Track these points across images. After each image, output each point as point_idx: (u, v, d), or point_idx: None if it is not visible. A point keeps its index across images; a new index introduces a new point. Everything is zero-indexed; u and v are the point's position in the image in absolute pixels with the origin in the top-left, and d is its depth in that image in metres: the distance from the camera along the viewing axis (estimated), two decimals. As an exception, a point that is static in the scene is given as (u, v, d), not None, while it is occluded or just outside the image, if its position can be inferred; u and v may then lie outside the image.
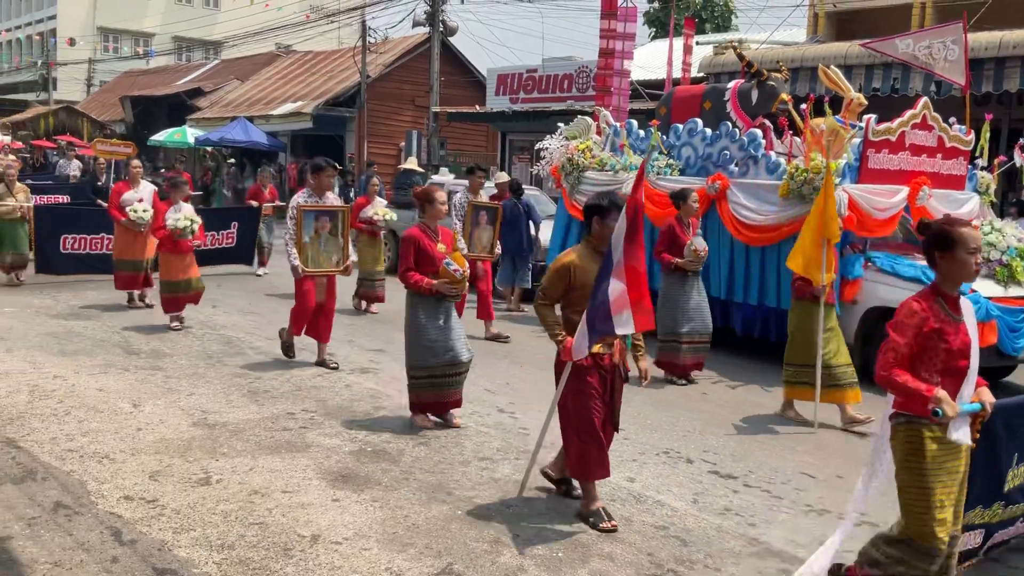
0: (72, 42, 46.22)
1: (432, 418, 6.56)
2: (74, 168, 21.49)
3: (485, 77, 24.82)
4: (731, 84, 10.74)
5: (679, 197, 8.25)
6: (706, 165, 9.80)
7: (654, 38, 33.56)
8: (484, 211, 10.04)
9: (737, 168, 9.43)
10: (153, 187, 11.13)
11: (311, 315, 8.15)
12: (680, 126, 10.29)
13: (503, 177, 12.05)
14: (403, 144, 25.54)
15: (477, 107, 24.10)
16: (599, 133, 11.39)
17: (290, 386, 7.48)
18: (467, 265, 6.34)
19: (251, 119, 28.06)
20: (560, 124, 12.08)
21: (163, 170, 23.89)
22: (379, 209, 11.39)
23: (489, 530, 4.73)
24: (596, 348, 4.81)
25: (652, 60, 20.47)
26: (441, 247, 6.38)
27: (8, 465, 5.30)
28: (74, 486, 5.04)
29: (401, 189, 17.16)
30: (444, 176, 16.28)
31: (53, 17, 52.53)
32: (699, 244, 8.19)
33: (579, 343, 4.69)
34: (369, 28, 27.08)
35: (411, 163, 18.46)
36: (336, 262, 8.14)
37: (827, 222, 6.90)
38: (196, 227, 9.40)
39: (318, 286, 8.14)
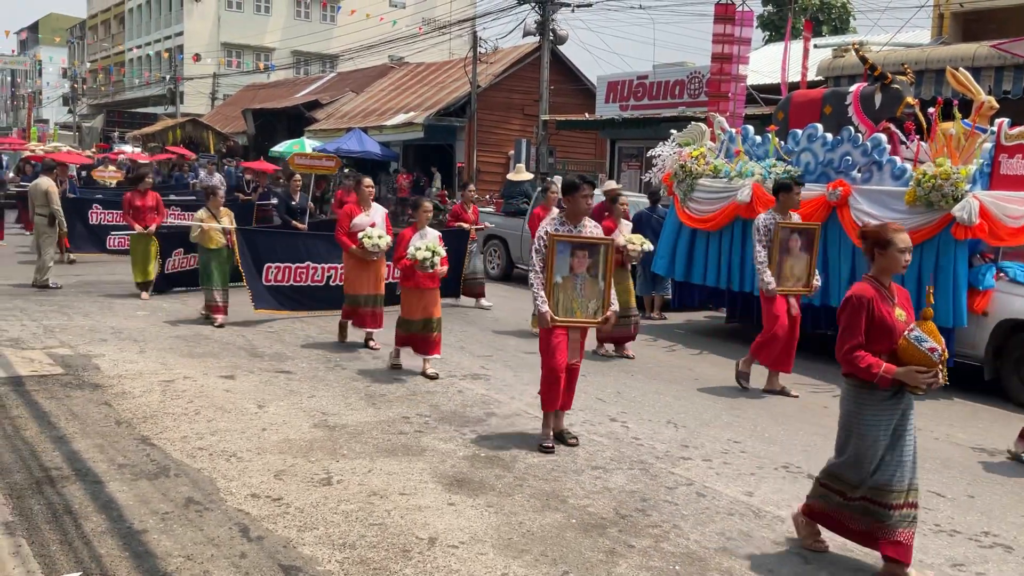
0: (198, 58, 48.34)
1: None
2: (216, 181, 20.35)
3: (595, 85, 24.73)
4: (853, 88, 10.42)
5: None
6: (826, 171, 9.53)
7: (768, 42, 32.90)
8: (797, 234, 8.05)
9: (860, 174, 9.13)
10: (385, 210, 9.67)
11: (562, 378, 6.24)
12: (799, 131, 10.04)
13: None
14: (511, 152, 25.73)
15: (587, 115, 24.07)
16: (713, 139, 11.22)
17: (405, 391, 7.62)
18: (943, 342, 4.32)
19: (365, 130, 28.76)
20: (672, 131, 11.95)
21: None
22: (631, 235, 9.42)
23: (604, 540, 4.70)
24: None
25: (766, 64, 20.05)
26: (900, 314, 4.40)
27: (143, 462, 5.56)
28: (204, 483, 5.25)
29: (511, 199, 17.15)
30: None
31: (180, 34, 55.23)
32: None
33: None
34: (480, 39, 27.40)
35: (519, 171, 18.31)
36: (594, 311, 6.21)
37: None
38: (438, 259, 7.96)
39: (570, 341, 6.25)
